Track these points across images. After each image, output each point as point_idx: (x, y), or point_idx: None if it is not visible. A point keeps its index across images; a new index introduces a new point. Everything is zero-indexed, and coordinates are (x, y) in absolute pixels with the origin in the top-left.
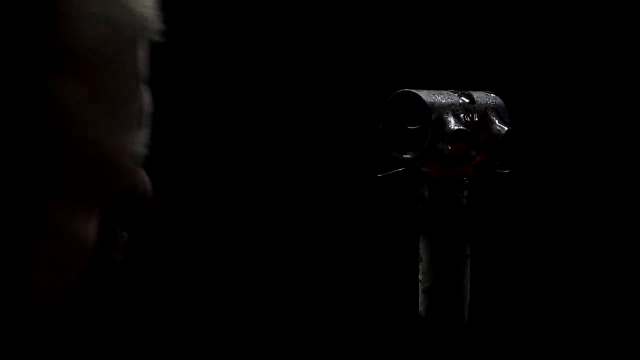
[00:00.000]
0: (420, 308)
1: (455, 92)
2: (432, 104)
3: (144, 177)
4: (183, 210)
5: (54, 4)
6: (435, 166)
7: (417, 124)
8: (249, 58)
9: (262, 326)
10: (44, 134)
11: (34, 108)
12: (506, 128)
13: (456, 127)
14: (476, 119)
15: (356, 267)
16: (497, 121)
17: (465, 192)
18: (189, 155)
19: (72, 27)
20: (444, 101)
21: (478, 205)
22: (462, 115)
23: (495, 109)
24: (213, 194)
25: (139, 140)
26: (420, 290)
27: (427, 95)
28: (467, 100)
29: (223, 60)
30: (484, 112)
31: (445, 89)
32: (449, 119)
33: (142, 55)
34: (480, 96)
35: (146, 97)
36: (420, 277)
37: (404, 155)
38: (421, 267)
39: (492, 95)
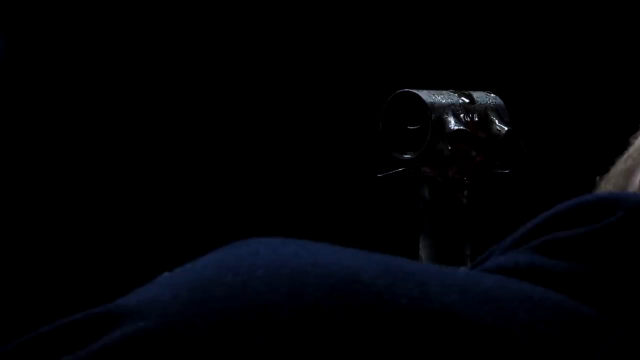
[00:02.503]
0: None
1: (455, 92)
2: (432, 104)
3: None
4: (183, 209)
5: None
6: (436, 166)
7: (417, 124)
8: (249, 58)
9: None
10: None
11: None
12: (506, 128)
13: (456, 127)
14: (476, 119)
15: None
16: (497, 121)
17: (465, 192)
18: (192, 154)
19: None
20: (444, 101)
21: (478, 205)
22: (462, 115)
23: (495, 109)
24: (213, 194)
25: None
26: None
27: (427, 95)
28: (467, 100)
29: (223, 60)
30: (484, 112)
31: (446, 89)
32: (449, 119)
33: None
34: (480, 96)
35: None
36: None
37: (404, 155)
38: None
39: (492, 95)
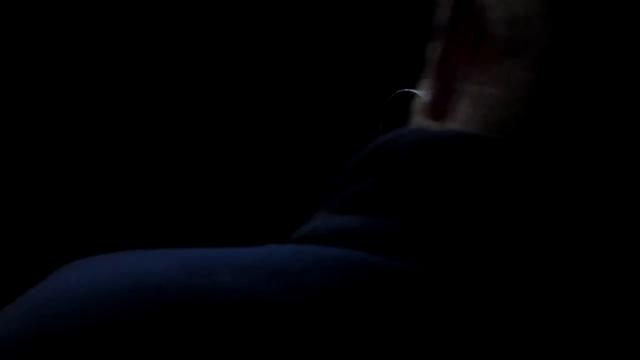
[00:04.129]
0: None
1: None
2: None
3: None
4: (180, 206)
5: None
6: None
7: None
8: (248, 58)
9: None
10: None
11: None
12: None
13: None
14: None
15: None
16: None
17: None
18: (193, 152)
19: None
20: None
21: None
22: None
23: None
24: (210, 193)
25: None
26: None
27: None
28: None
29: (222, 60)
30: None
31: None
32: None
33: None
34: None
35: None
36: None
37: None
38: None
39: None
